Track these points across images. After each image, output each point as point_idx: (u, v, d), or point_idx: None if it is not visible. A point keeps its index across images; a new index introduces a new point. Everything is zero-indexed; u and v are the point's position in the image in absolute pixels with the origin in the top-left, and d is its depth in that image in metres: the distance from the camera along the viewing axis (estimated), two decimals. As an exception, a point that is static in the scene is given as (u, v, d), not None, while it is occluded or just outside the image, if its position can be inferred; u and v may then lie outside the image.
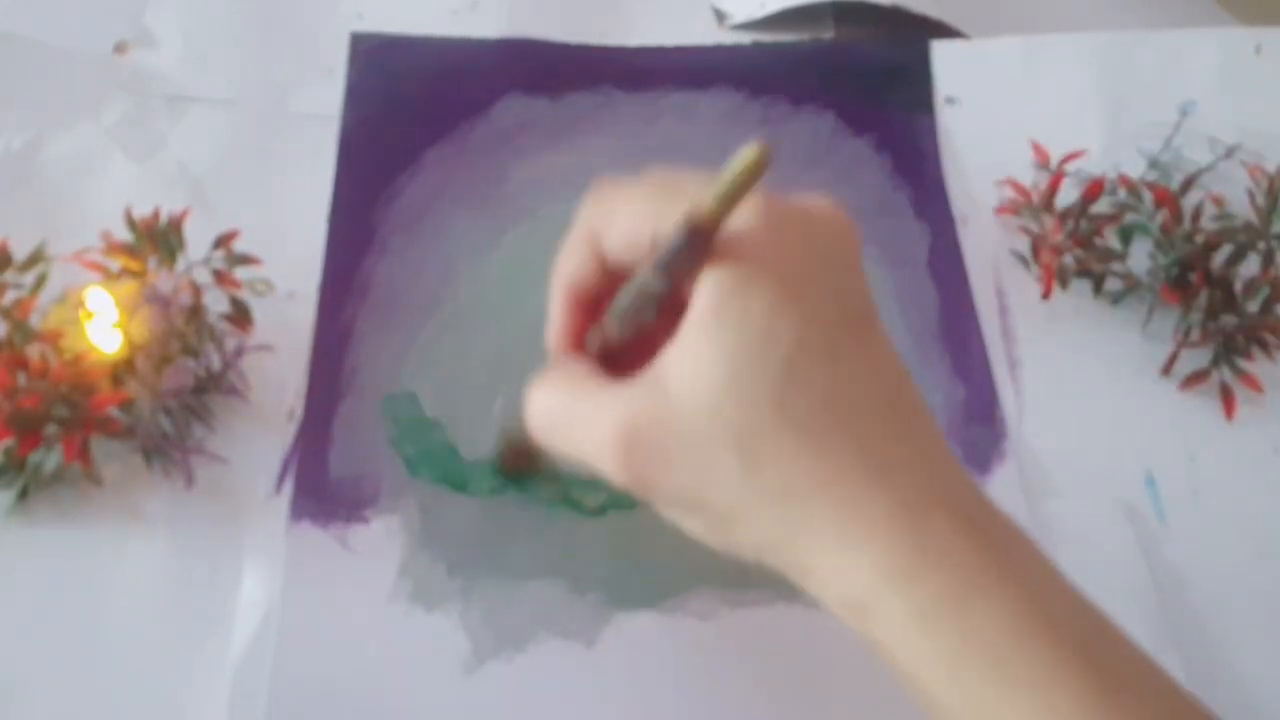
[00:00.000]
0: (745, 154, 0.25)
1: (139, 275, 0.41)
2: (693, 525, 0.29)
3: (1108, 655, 0.26)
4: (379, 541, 0.39)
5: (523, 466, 0.39)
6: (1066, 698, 0.25)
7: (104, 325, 0.39)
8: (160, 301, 0.40)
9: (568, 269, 0.31)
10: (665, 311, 0.28)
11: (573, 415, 0.29)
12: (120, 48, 0.52)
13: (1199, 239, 0.46)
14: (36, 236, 0.42)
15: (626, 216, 0.29)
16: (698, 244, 0.26)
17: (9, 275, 0.41)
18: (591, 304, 0.31)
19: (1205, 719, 0.27)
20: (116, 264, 0.41)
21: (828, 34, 0.55)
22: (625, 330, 0.29)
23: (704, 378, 0.26)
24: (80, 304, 0.39)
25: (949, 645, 0.26)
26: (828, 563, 0.27)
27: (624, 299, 0.29)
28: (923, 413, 0.29)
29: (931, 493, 0.27)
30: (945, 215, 0.49)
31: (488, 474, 0.40)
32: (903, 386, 0.28)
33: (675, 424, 0.27)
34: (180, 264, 0.42)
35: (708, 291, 0.27)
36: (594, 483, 0.40)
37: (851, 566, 0.26)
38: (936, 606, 0.26)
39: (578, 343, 0.32)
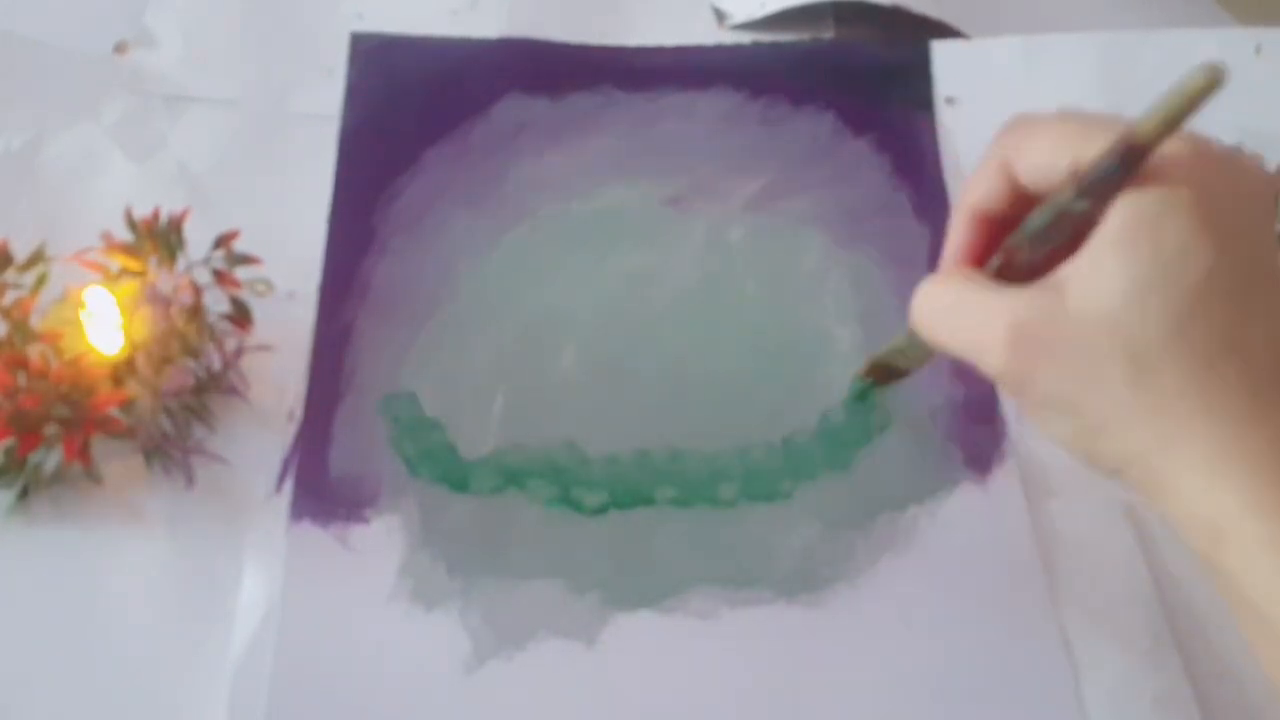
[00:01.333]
0: (1194, 76, 0.26)
1: (139, 275, 0.41)
2: (1059, 428, 0.30)
3: None
4: (379, 541, 0.39)
5: (888, 379, 0.41)
6: None
7: (104, 325, 0.39)
8: (160, 301, 0.40)
9: (977, 191, 0.32)
10: (1072, 238, 0.29)
11: (963, 306, 0.30)
12: (120, 48, 0.52)
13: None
14: (36, 236, 0.42)
15: (1044, 145, 0.30)
16: (1130, 164, 0.27)
17: (9, 275, 0.41)
18: (992, 227, 0.32)
19: None
20: (116, 264, 0.41)
21: (828, 34, 0.55)
22: (1037, 250, 0.30)
23: (1108, 290, 0.27)
24: (80, 304, 0.39)
25: None
26: (1193, 482, 0.27)
27: (1038, 219, 0.30)
28: None
29: None
30: (945, 215, 0.48)
31: (498, 479, 0.40)
32: None
33: (1070, 327, 0.28)
34: (180, 264, 0.42)
35: (1126, 209, 0.27)
36: (594, 482, 0.40)
37: (1215, 490, 0.27)
38: None
39: (973, 262, 0.33)
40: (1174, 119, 0.26)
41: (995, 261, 0.31)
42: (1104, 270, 0.27)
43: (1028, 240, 0.30)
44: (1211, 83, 0.26)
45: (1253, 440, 0.27)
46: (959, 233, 0.33)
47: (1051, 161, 0.29)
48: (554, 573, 0.38)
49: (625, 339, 0.44)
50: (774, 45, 0.54)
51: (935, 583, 0.39)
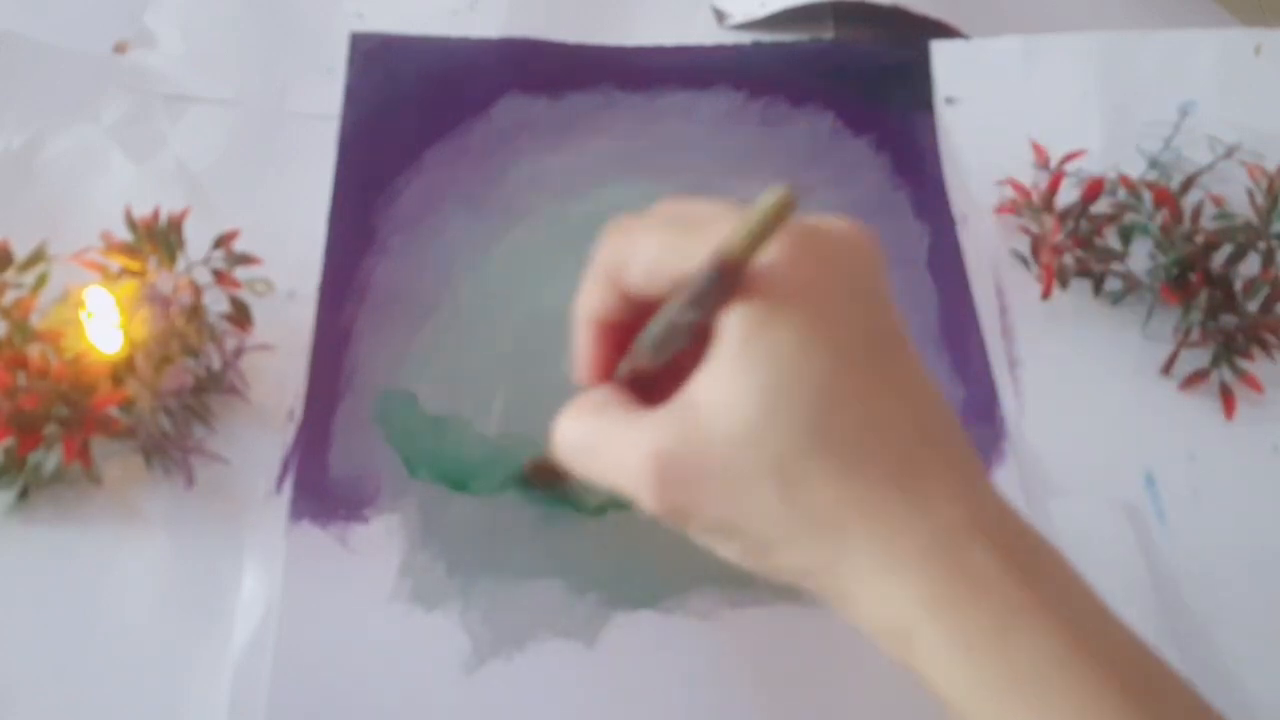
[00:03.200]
0: (772, 196, 0.26)
1: (139, 275, 0.41)
2: (729, 551, 0.29)
3: (1150, 683, 0.27)
4: (379, 541, 0.39)
5: (550, 480, 0.39)
6: None
7: (104, 325, 0.39)
8: (160, 301, 0.40)
9: (590, 303, 0.32)
10: (695, 336, 0.29)
11: (604, 443, 0.30)
12: (120, 47, 0.52)
13: (1199, 239, 0.46)
14: (36, 236, 0.42)
15: (648, 251, 0.29)
16: (727, 280, 0.27)
17: (9, 275, 0.41)
18: (615, 334, 0.32)
19: None
20: (116, 264, 0.41)
21: (828, 34, 0.55)
22: (658, 359, 0.30)
23: (739, 409, 0.27)
24: (80, 304, 0.39)
25: (992, 674, 0.26)
26: (867, 591, 0.27)
27: (654, 329, 0.30)
28: (958, 437, 0.29)
29: (970, 521, 0.27)
30: (945, 215, 0.49)
31: (498, 479, 0.40)
32: (938, 410, 0.28)
33: (711, 453, 0.27)
34: (180, 264, 0.42)
35: (736, 324, 0.27)
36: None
37: (891, 596, 0.27)
38: (978, 636, 0.26)
39: (604, 374, 0.32)
40: (758, 235, 0.26)
41: (623, 371, 0.31)
42: (731, 387, 0.27)
43: (649, 350, 0.30)
44: (787, 203, 0.26)
45: (913, 540, 0.26)
46: (583, 346, 0.32)
47: (656, 269, 0.29)
48: (554, 573, 0.38)
49: (625, 339, 0.44)
50: (774, 45, 0.54)
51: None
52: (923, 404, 0.28)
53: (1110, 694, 0.25)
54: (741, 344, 0.27)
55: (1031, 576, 0.27)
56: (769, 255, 0.27)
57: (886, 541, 0.26)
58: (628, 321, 0.31)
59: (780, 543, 0.27)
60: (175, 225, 0.42)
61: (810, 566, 0.28)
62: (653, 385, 0.30)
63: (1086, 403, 0.44)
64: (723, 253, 0.26)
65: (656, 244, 0.29)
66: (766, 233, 0.26)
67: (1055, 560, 0.28)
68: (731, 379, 0.27)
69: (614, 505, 0.40)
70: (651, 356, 0.30)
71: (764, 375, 0.26)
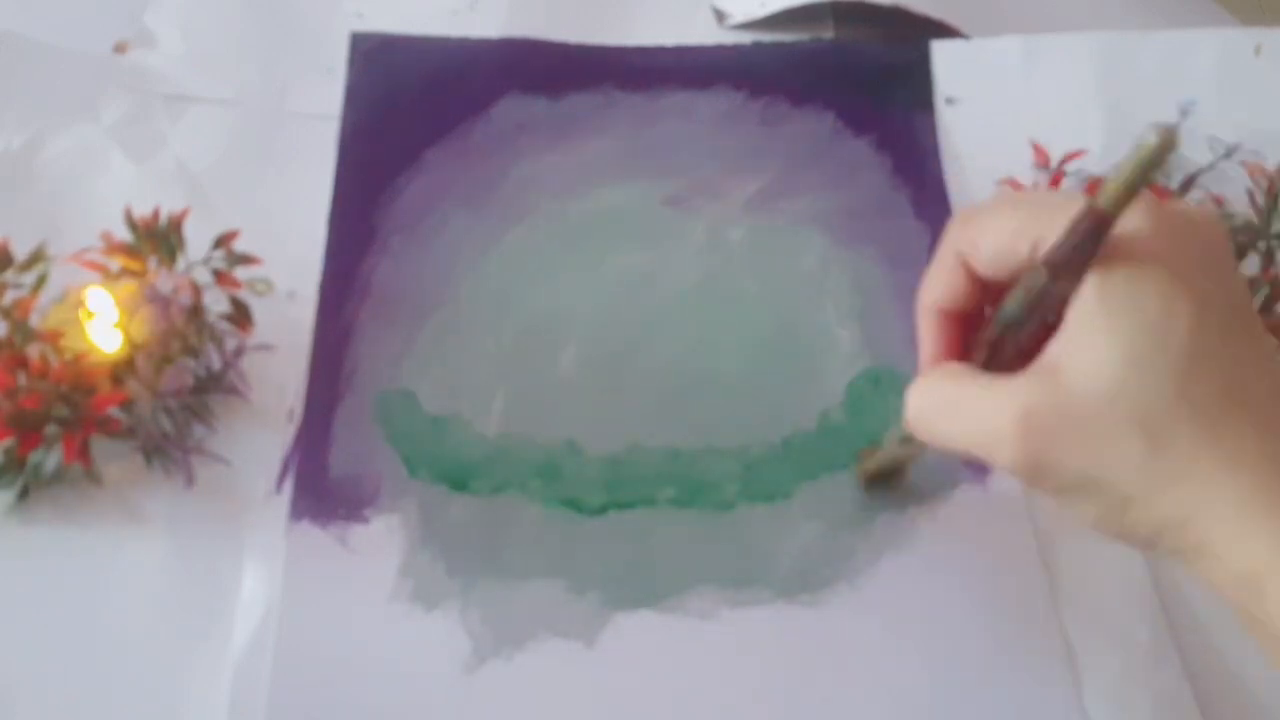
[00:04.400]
0: (1148, 140, 0.26)
1: (139, 275, 0.41)
2: (1086, 510, 0.30)
3: None
4: (379, 541, 0.39)
5: (885, 480, 0.40)
6: None
7: (104, 325, 0.39)
8: (160, 301, 0.40)
9: (937, 289, 0.32)
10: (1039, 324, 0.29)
11: (964, 404, 0.30)
12: (120, 47, 0.52)
13: (1199, 239, 0.46)
14: (36, 236, 0.42)
15: (999, 233, 0.30)
16: (1097, 235, 0.27)
17: (9, 275, 0.41)
18: (958, 322, 0.33)
19: None
20: (116, 264, 0.41)
21: (828, 34, 0.55)
22: (1016, 336, 0.30)
23: (1103, 364, 0.27)
24: (80, 304, 0.39)
25: None
26: (1226, 540, 0.27)
27: (1013, 306, 0.30)
28: None
29: None
30: (945, 215, 0.49)
31: (491, 471, 0.40)
32: None
33: (1075, 410, 0.28)
34: (180, 264, 0.42)
35: (1098, 284, 0.28)
36: (594, 482, 0.40)
37: (1250, 542, 0.27)
38: None
39: (951, 358, 0.33)
40: (1134, 184, 0.27)
41: (981, 355, 0.31)
42: (1094, 346, 0.28)
43: (1005, 328, 0.30)
44: (1165, 145, 0.26)
45: (1274, 490, 0.27)
46: (929, 334, 0.33)
47: (1011, 248, 0.30)
48: (554, 573, 0.38)
49: (625, 339, 0.44)
50: (774, 45, 0.54)
51: (935, 583, 0.39)
52: (1276, 372, 0.29)
53: None
54: (1104, 304, 0.28)
55: None
56: (1127, 225, 0.28)
57: (1249, 491, 0.27)
58: (973, 308, 0.32)
59: (1141, 497, 0.28)
60: (175, 225, 0.42)
61: (1168, 521, 0.28)
62: (1004, 371, 0.31)
63: (1087, 403, 0.44)
64: (1097, 205, 0.27)
65: (1010, 220, 0.30)
66: (1143, 180, 0.26)
67: None
68: (1096, 337, 0.28)
69: (614, 505, 0.40)
70: (1010, 334, 0.30)
71: (1130, 333, 0.27)
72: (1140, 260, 0.28)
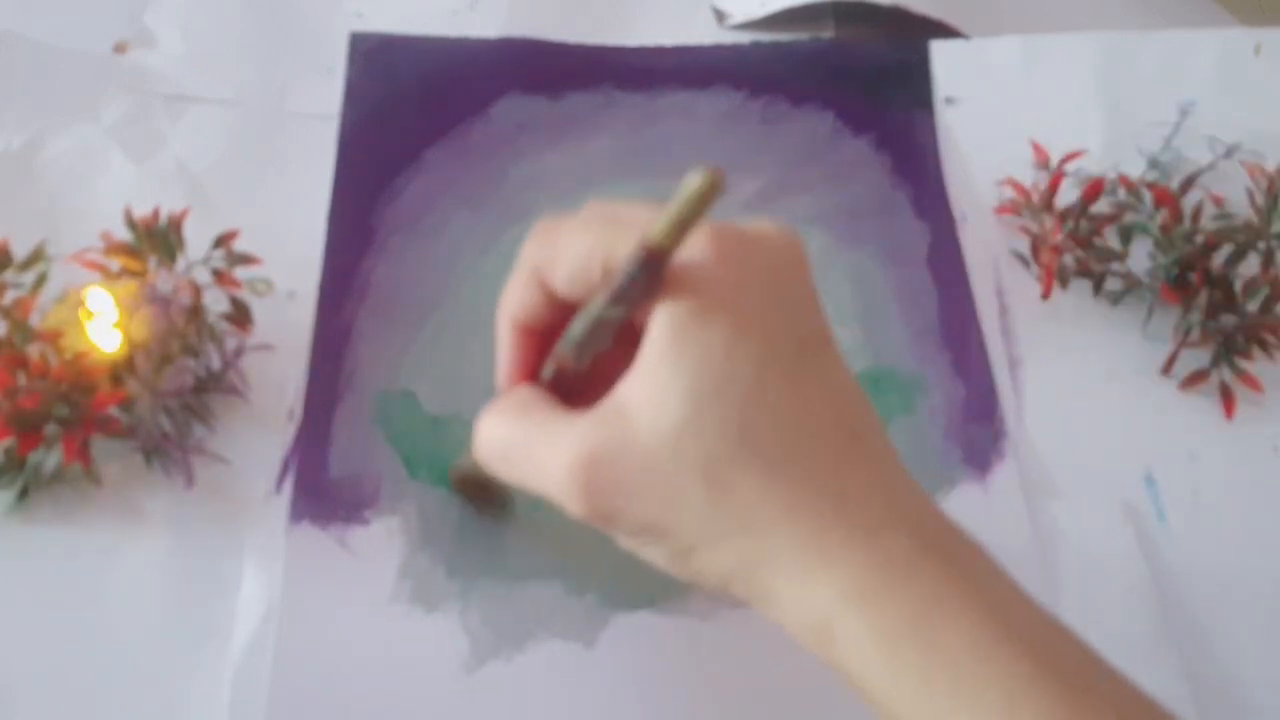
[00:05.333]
0: (694, 181, 0.26)
1: (139, 275, 0.41)
2: (654, 555, 0.29)
3: (1073, 668, 0.26)
4: (378, 542, 0.39)
5: (479, 496, 0.39)
6: (1034, 712, 0.25)
7: (104, 325, 0.39)
8: (160, 301, 0.40)
9: (514, 304, 0.32)
10: (618, 339, 0.29)
11: (528, 445, 0.29)
12: (120, 47, 0.52)
13: (1199, 239, 0.46)
14: (36, 236, 0.42)
15: (573, 250, 0.29)
16: (652, 272, 0.27)
17: (9, 275, 0.41)
18: (538, 338, 0.32)
19: None
20: (116, 264, 0.41)
21: (828, 34, 0.55)
22: (582, 358, 0.30)
23: (667, 409, 0.27)
24: (80, 304, 0.39)
25: (913, 664, 0.26)
26: (790, 589, 0.27)
27: (578, 328, 0.29)
28: (880, 436, 0.29)
29: (891, 516, 0.27)
30: (945, 215, 0.49)
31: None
32: (860, 411, 0.29)
33: (637, 455, 0.27)
34: (180, 264, 0.42)
35: (664, 325, 0.27)
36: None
37: (813, 591, 0.27)
38: (898, 626, 0.26)
39: (527, 377, 0.32)
40: (682, 223, 0.26)
41: (548, 372, 0.31)
42: (659, 387, 0.27)
43: (572, 350, 0.30)
44: (711, 186, 0.25)
45: (834, 535, 0.27)
46: (505, 349, 0.32)
47: (585, 267, 0.29)
48: (554, 573, 0.38)
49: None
50: (774, 45, 0.54)
51: (935, 583, 0.39)
52: (846, 404, 0.29)
53: (1033, 679, 0.25)
54: (669, 345, 0.27)
55: (951, 565, 0.27)
56: (696, 255, 0.27)
57: (808, 537, 0.27)
58: (553, 325, 0.31)
59: (705, 545, 0.28)
60: (175, 225, 0.42)
61: (734, 568, 0.28)
62: (575, 390, 0.30)
63: (1086, 403, 0.44)
64: (647, 241, 0.26)
65: (583, 243, 0.29)
66: (690, 220, 0.26)
67: (975, 550, 0.28)
68: (659, 379, 0.27)
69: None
70: (575, 355, 0.30)
71: (692, 377, 0.27)
72: (707, 297, 0.27)
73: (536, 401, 0.30)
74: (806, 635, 0.27)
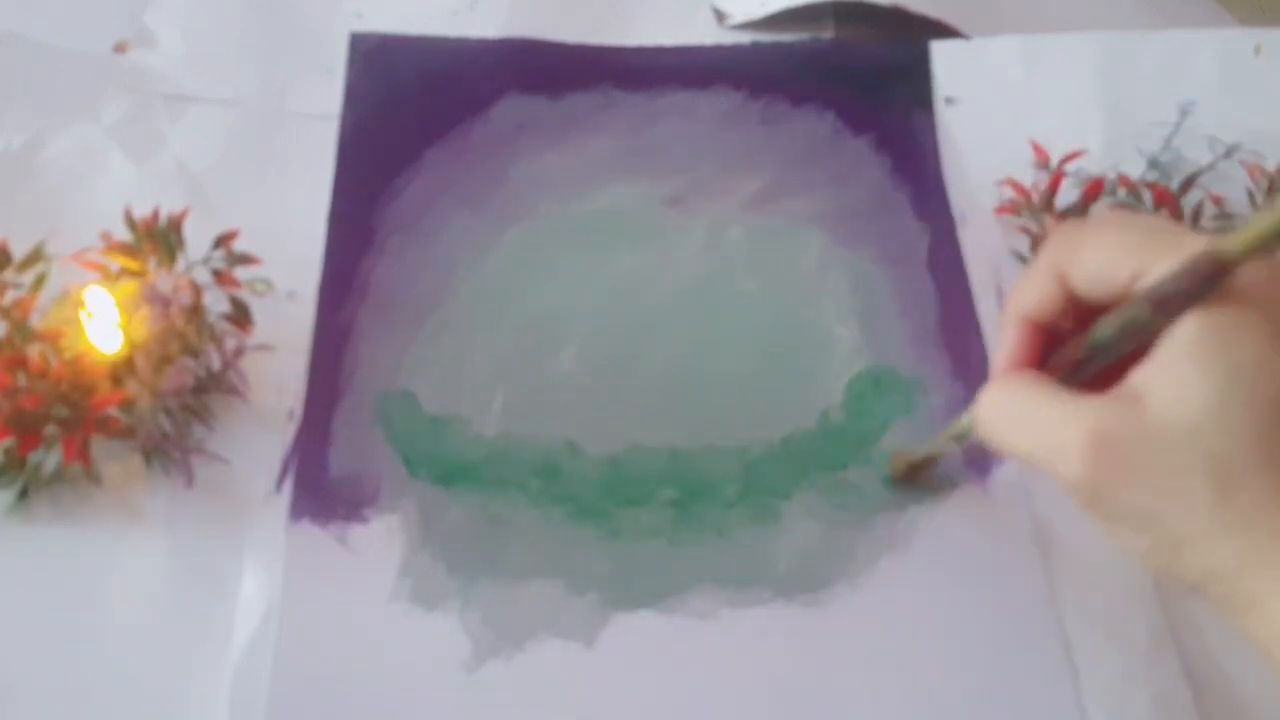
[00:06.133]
0: None
1: (139, 275, 0.41)
2: (1137, 542, 0.29)
3: None
4: (379, 541, 0.39)
5: (913, 478, 0.41)
6: None
7: (104, 325, 0.39)
8: (160, 301, 0.40)
9: (1029, 297, 0.32)
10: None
11: (1037, 413, 0.30)
12: (120, 47, 0.52)
13: (1199, 239, 0.46)
14: (36, 236, 0.42)
15: (1102, 254, 0.30)
16: (1213, 281, 0.27)
17: (9, 275, 0.41)
18: (1042, 333, 0.32)
19: None
20: (116, 264, 0.41)
21: (828, 34, 0.55)
22: (1102, 359, 0.30)
23: (1190, 402, 0.27)
24: (80, 304, 0.39)
25: None
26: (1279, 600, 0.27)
27: (1106, 330, 0.30)
28: None
29: None
30: (945, 215, 0.49)
31: (491, 471, 0.40)
32: None
33: (1151, 440, 0.28)
34: (180, 264, 0.42)
35: (1200, 323, 0.27)
36: (594, 482, 0.40)
37: None
38: None
39: (1024, 365, 0.33)
40: (1265, 240, 0.26)
41: (1062, 373, 0.31)
42: (1182, 381, 0.27)
43: (1093, 351, 0.30)
44: None
45: None
46: (1011, 339, 0.33)
47: (1111, 272, 0.29)
48: (553, 573, 0.38)
49: (625, 339, 0.44)
50: (774, 45, 0.54)
51: (935, 583, 0.39)
52: None
53: None
54: (1199, 343, 0.27)
55: None
56: (1242, 270, 0.28)
57: None
58: (1056, 323, 0.32)
59: (1198, 541, 0.28)
60: (175, 225, 0.42)
61: (1222, 569, 0.28)
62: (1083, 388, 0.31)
63: (1087, 403, 0.44)
64: (1216, 254, 0.27)
65: (1116, 244, 0.30)
66: (1271, 242, 0.26)
67: None
68: (1184, 375, 0.27)
69: (614, 505, 0.40)
70: (1097, 357, 0.30)
71: (1221, 376, 0.27)
72: (1245, 306, 0.27)
73: (1042, 380, 0.31)
74: None
